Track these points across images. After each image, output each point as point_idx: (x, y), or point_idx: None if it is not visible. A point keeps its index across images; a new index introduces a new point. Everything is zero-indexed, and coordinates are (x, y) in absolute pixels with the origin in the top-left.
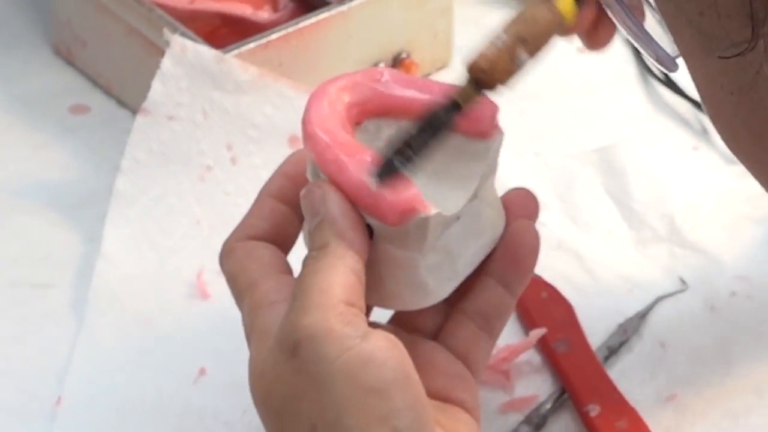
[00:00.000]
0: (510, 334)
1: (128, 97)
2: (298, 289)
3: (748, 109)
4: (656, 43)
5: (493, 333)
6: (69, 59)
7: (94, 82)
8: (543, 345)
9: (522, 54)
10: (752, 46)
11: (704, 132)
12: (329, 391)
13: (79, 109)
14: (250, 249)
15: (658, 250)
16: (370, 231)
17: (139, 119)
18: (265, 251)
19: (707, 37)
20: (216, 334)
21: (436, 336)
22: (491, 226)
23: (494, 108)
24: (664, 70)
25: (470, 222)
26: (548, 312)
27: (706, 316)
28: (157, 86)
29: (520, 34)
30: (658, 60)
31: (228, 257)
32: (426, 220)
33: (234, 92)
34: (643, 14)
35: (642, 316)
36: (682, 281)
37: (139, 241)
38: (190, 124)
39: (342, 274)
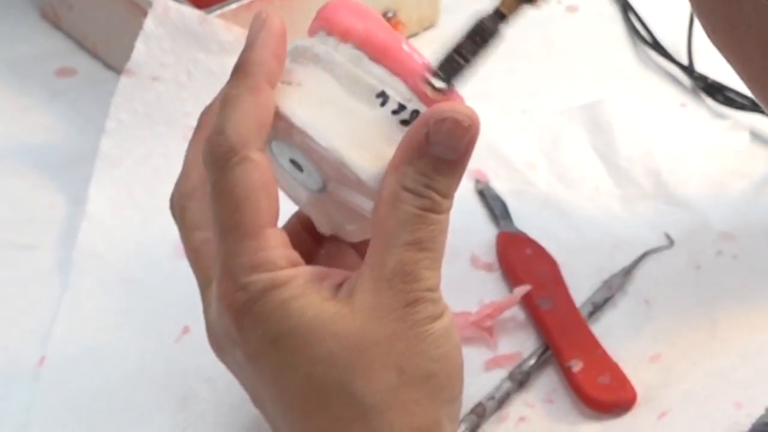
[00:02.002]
0: (494, 291)
1: (114, 59)
2: (429, 241)
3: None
4: None
5: None
6: (55, 22)
7: (81, 45)
8: (527, 302)
9: None
10: None
11: (692, 89)
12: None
13: (65, 72)
14: (268, 178)
15: (644, 207)
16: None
17: (123, 80)
18: (275, 188)
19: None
20: (199, 295)
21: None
22: None
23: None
24: None
25: None
26: (533, 269)
27: (692, 274)
28: (140, 47)
29: None
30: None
31: (240, 168)
32: None
33: (218, 53)
34: None
35: (627, 272)
36: (668, 237)
37: (123, 202)
38: (175, 84)
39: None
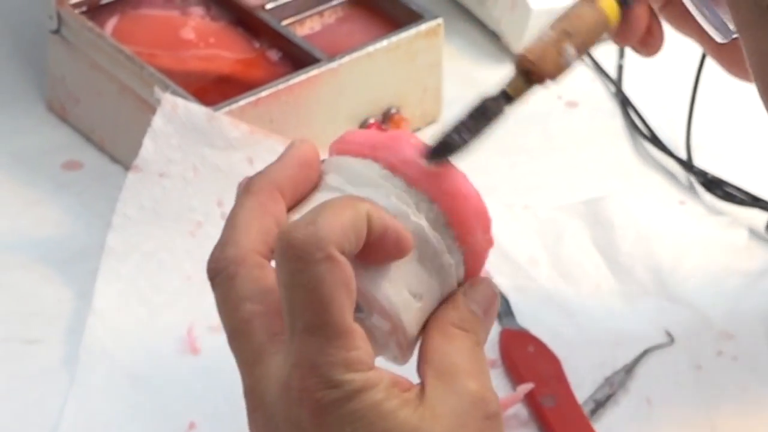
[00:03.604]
0: (497, 389)
1: (121, 153)
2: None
3: None
4: (714, 9)
5: None
6: (62, 116)
7: (87, 139)
8: (530, 399)
9: (569, 48)
10: None
11: (691, 186)
12: None
13: (72, 165)
14: (350, 277)
15: (645, 304)
16: None
17: (131, 176)
18: (355, 288)
19: (765, 8)
20: (206, 389)
21: None
22: None
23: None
24: (719, 39)
25: None
26: (535, 366)
27: (692, 375)
28: (148, 144)
29: (565, 29)
30: (714, 26)
31: (326, 266)
32: None
33: (225, 149)
34: None
35: (628, 370)
36: (669, 335)
37: (130, 297)
38: (181, 180)
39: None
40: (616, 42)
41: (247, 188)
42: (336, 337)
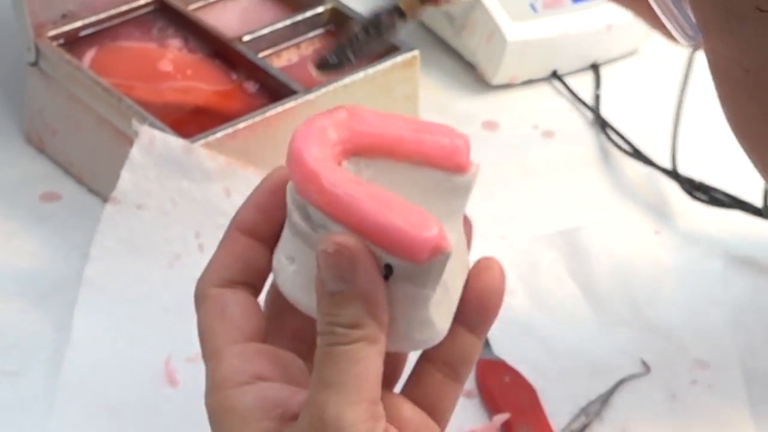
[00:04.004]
0: (474, 419)
1: (99, 185)
2: (335, 374)
3: (765, 88)
4: (683, 9)
5: (460, 379)
6: (40, 147)
7: (65, 171)
8: (506, 429)
9: None
10: None
11: (666, 216)
12: None
13: (50, 197)
14: (223, 303)
15: (621, 333)
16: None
17: (109, 208)
18: (237, 307)
19: (730, 5)
20: (185, 422)
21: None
22: (466, 261)
23: (467, 140)
24: (685, 43)
25: (456, 256)
26: (511, 396)
27: (667, 404)
28: (126, 176)
29: None
30: (681, 29)
31: (200, 306)
32: (448, 256)
33: (202, 181)
34: None
35: (604, 399)
36: (645, 364)
37: (108, 329)
38: (159, 212)
39: (378, 365)
40: None
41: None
42: (208, 363)
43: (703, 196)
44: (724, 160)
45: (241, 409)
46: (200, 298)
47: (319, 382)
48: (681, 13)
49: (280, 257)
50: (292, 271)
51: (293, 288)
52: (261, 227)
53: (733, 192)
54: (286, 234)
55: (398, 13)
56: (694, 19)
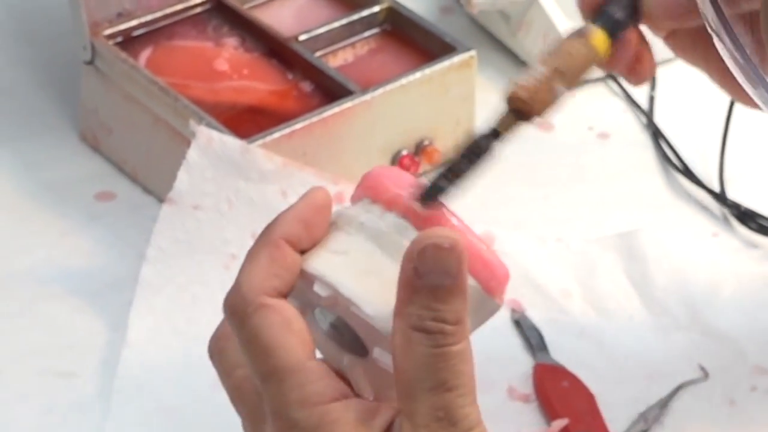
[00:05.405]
0: (532, 424)
1: (153, 184)
2: (453, 377)
3: None
4: (764, 79)
5: None
6: (95, 146)
7: (120, 170)
8: None
9: (559, 86)
10: None
11: (724, 219)
12: None
13: (104, 196)
14: (288, 316)
15: (679, 338)
16: None
17: (165, 208)
18: (299, 321)
19: None
20: (240, 424)
21: None
22: None
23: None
24: (763, 106)
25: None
26: (570, 402)
27: (726, 410)
28: (182, 176)
29: (558, 67)
30: (760, 95)
31: (257, 314)
32: (498, 308)
33: (259, 181)
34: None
35: (663, 405)
36: (703, 369)
37: (164, 330)
38: (215, 213)
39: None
40: (604, 69)
41: (256, 240)
42: (286, 378)
43: (752, 224)
44: None
45: (349, 421)
46: (255, 306)
47: (435, 385)
48: (758, 77)
49: (319, 253)
50: (339, 261)
51: (335, 272)
52: (304, 242)
53: None
54: (331, 236)
55: (495, 135)
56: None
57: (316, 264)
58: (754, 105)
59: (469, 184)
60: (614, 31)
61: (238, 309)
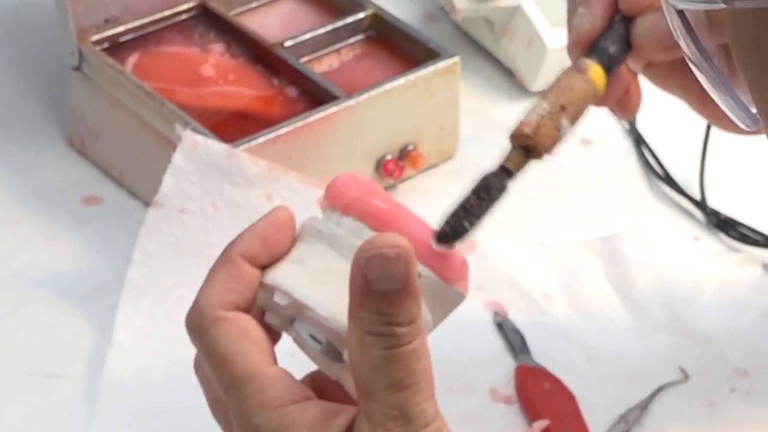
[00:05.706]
0: (513, 425)
1: (140, 188)
2: (407, 376)
3: None
4: (743, 103)
5: None
6: (82, 151)
7: (107, 174)
8: None
9: (564, 121)
10: None
11: (706, 223)
12: None
13: (91, 200)
14: (243, 325)
15: (660, 340)
16: None
17: (151, 212)
18: (257, 330)
19: None
20: None
21: None
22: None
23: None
24: (744, 127)
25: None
26: (551, 403)
27: (706, 412)
28: (168, 180)
29: (561, 103)
30: (739, 118)
31: (213, 327)
32: (463, 297)
33: (244, 185)
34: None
35: (643, 406)
36: (683, 371)
37: (150, 332)
38: (201, 216)
39: (430, 354)
40: (597, 105)
41: (216, 258)
42: (245, 385)
43: (732, 232)
44: (755, 195)
45: (308, 422)
46: (212, 320)
47: (389, 385)
48: (736, 101)
49: (279, 265)
50: (296, 269)
51: (292, 280)
52: (263, 258)
53: (763, 229)
54: (293, 248)
55: (505, 172)
56: (753, 108)
57: (274, 275)
58: (732, 130)
59: (483, 223)
60: (610, 65)
61: (197, 324)
